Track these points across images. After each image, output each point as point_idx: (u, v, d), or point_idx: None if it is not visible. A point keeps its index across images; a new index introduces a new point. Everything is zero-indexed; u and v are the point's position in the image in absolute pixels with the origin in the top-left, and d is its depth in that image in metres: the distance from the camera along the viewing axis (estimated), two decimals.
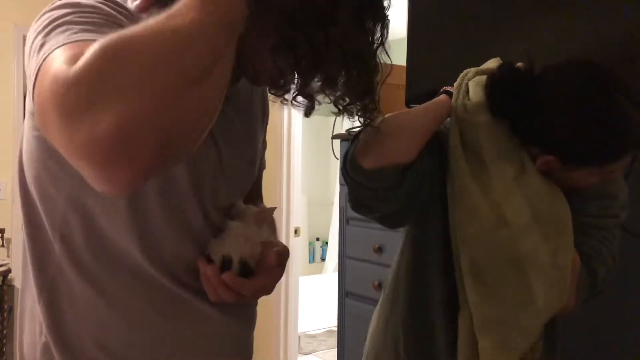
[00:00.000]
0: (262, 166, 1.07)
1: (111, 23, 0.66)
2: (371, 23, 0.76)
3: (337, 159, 2.32)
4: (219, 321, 0.83)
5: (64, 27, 0.63)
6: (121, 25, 0.66)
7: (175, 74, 0.54)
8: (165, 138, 0.54)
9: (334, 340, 4.23)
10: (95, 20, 0.65)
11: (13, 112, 3.81)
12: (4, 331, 3.57)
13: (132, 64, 0.52)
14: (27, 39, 0.70)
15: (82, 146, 0.52)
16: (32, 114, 0.76)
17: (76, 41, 0.60)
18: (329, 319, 4.49)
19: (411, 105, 1.88)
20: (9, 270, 3.61)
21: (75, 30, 0.62)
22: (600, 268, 1.08)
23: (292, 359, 3.88)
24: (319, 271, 5.78)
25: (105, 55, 0.53)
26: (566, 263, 0.99)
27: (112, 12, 0.69)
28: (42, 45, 0.62)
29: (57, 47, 0.59)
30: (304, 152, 3.99)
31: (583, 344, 1.39)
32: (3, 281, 3.56)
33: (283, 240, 3.20)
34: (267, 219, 0.90)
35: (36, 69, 0.60)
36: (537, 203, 0.99)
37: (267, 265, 0.83)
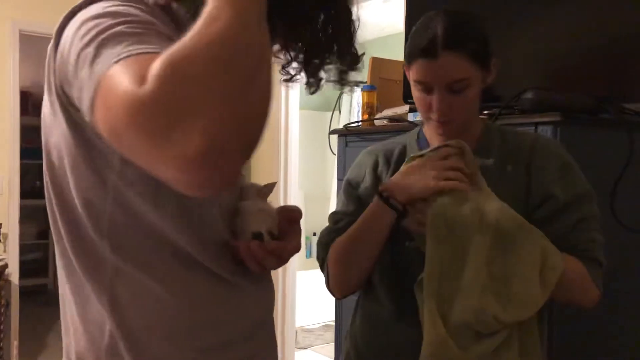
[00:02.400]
0: None
1: (150, 29, 0.68)
2: None
3: (334, 154, 2.34)
4: (257, 295, 0.89)
5: (115, 40, 0.64)
6: (156, 28, 0.69)
7: (241, 75, 0.56)
8: (248, 136, 0.57)
9: (330, 335, 4.24)
10: (138, 30, 0.66)
11: (10, 109, 3.80)
12: (1, 326, 3.57)
13: (200, 78, 0.54)
14: (64, 44, 0.70)
15: (175, 164, 0.54)
16: (74, 122, 0.75)
17: (133, 55, 0.61)
18: (326, 313, 4.51)
19: (408, 100, 1.89)
20: (5, 266, 3.60)
21: (128, 42, 0.63)
22: (600, 253, 1.12)
23: (289, 354, 3.89)
24: (316, 266, 5.75)
25: (173, 74, 0.54)
26: (503, 274, 1.02)
27: (144, 15, 0.71)
28: (95, 57, 0.63)
29: (116, 61, 0.61)
30: (300, 148, 3.99)
31: (582, 337, 1.41)
32: (0, 276, 3.56)
33: None
34: (269, 193, 0.96)
35: (95, 83, 0.61)
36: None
37: (288, 230, 0.90)
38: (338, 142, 2.23)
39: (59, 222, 0.81)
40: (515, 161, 1.14)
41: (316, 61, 0.85)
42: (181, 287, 0.79)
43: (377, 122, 2.09)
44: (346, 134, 2.17)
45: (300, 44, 0.84)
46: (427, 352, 1.01)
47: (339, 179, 2.21)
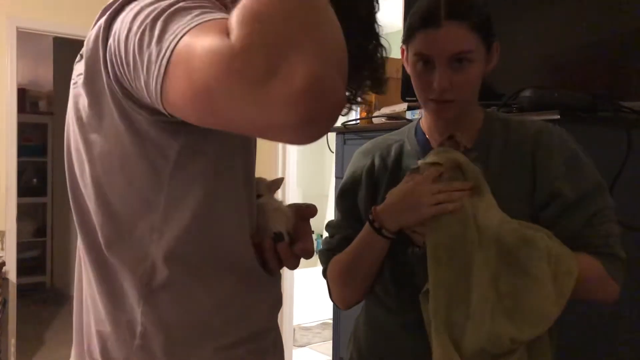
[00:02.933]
0: None
1: (213, 3, 0.66)
2: None
3: (332, 152, 2.34)
4: (272, 286, 0.89)
5: (180, 14, 0.62)
6: (216, 5, 0.67)
7: (314, 5, 0.56)
8: (340, 61, 0.56)
9: (328, 333, 4.24)
10: (202, 3, 0.64)
11: (7, 106, 3.79)
12: None
13: (283, 15, 0.54)
14: (118, 34, 0.67)
15: (283, 103, 0.52)
16: (127, 115, 0.72)
17: (204, 21, 0.59)
18: (324, 311, 4.51)
19: (407, 98, 1.89)
20: (3, 264, 3.60)
21: (196, 13, 0.61)
22: (617, 247, 1.06)
23: (286, 352, 3.89)
24: (314, 264, 5.80)
25: (256, 18, 0.53)
26: (508, 290, 0.98)
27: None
28: (162, 33, 0.61)
29: (187, 31, 0.59)
30: (298, 146, 3.99)
31: (582, 336, 1.41)
32: None
33: None
34: (277, 189, 0.96)
35: (167, 56, 0.59)
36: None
37: (303, 228, 0.90)
38: (336, 140, 2.22)
39: (94, 218, 0.79)
40: (519, 153, 1.08)
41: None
42: (216, 285, 0.80)
43: (375, 120, 2.09)
44: (344, 132, 2.17)
45: None
46: None
47: (337, 177, 2.21)
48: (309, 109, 0.52)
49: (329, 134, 2.28)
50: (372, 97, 2.18)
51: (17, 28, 3.81)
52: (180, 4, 0.63)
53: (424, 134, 1.17)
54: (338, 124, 2.32)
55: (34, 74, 5.71)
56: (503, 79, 1.59)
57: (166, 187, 0.74)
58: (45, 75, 5.75)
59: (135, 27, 0.64)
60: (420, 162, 1.05)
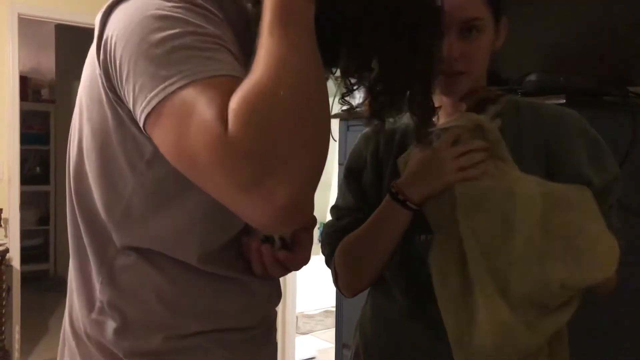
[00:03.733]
0: None
1: (219, 44, 0.66)
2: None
3: (335, 140, 2.33)
4: (261, 291, 0.87)
5: (187, 53, 0.62)
6: (223, 42, 0.67)
7: (314, 120, 0.60)
8: (320, 173, 0.62)
9: (331, 320, 4.25)
10: (209, 45, 0.64)
11: (9, 94, 3.78)
12: (3, 311, 3.58)
13: (284, 126, 0.57)
14: (113, 32, 0.68)
15: (261, 210, 0.57)
16: (113, 104, 0.72)
17: (209, 77, 0.61)
18: (327, 299, 4.52)
19: None
20: (6, 250, 3.61)
21: (200, 60, 0.62)
22: (621, 242, 1.02)
23: (289, 339, 3.90)
24: (317, 252, 5.78)
25: (257, 121, 0.56)
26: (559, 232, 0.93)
27: (210, 23, 0.67)
28: (164, 65, 0.62)
29: (190, 81, 0.60)
30: None
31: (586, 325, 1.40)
32: (1, 261, 3.56)
33: None
34: None
35: (161, 95, 0.61)
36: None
37: (301, 238, 0.87)
38: (339, 127, 2.21)
39: (75, 202, 0.82)
40: (532, 138, 1.03)
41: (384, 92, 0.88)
42: (179, 278, 0.79)
43: None
44: (347, 118, 2.15)
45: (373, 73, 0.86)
46: (488, 341, 0.91)
47: (340, 164, 2.20)
48: (282, 220, 0.58)
49: (332, 120, 2.27)
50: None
51: (19, 14, 3.79)
52: (189, 40, 0.63)
53: None
54: (339, 110, 2.30)
55: (36, 61, 5.70)
56: (509, 63, 1.57)
57: (136, 181, 0.75)
58: (47, 63, 5.73)
59: (138, 35, 0.64)
60: (435, 128, 1.02)
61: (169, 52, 0.62)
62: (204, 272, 0.79)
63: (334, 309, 2.27)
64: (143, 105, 0.63)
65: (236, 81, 0.61)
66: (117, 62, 0.66)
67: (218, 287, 0.81)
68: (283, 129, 0.57)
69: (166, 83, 0.61)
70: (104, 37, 0.70)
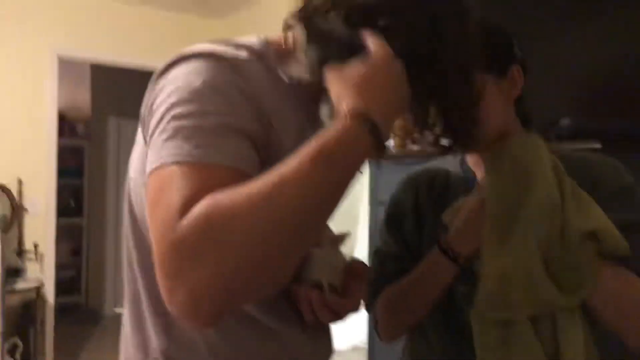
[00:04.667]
0: None
1: (230, 126, 0.69)
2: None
3: (361, 172, 2.33)
4: (309, 345, 0.87)
5: (185, 133, 0.67)
6: (240, 121, 0.71)
7: (274, 263, 0.63)
8: (233, 299, 0.64)
9: (359, 357, 4.19)
10: (216, 128, 0.68)
11: (48, 131, 3.90)
12: (36, 344, 3.63)
13: (230, 249, 0.60)
14: (157, 92, 0.75)
15: (167, 300, 0.62)
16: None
17: (194, 162, 0.65)
18: (356, 334, 4.47)
19: None
20: (42, 285, 3.68)
21: (198, 143, 0.67)
22: None
23: None
24: None
25: (208, 235, 0.60)
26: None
27: (241, 99, 0.72)
28: (168, 138, 0.68)
29: (176, 162, 0.66)
30: None
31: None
32: (37, 295, 3.63)
33: None
34: (341, 243, 0.94)
35: (156, 164, 0.68)
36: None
37: (351, 285, 0.88)
38: (369, 164, 2.23)
39: (134, 252, 0.84)
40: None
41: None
42: (236, 334, 0.80)
43: (412, 147, 2.09)
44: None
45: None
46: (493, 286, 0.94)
47: (372, 204, 2.20)
48: (179, 314, 0.63)
49: None
50: (407, 122, 2.18)
51: (58, 56, 3.94)
52: (198, 121, 0.68)
53: (469, 167, 1.15)
54: None
55: (72, 98, 5.87)
56: (540, 107, 1.58)
57: None
58: (83, 100, 5.90)
59: (164, 104, 0.71)
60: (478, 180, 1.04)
61: (175, 130, 0.68)
62: (257, 326, 0.81)
63: (363, 345, 2.26)
64: (149, 164, 0.70)
65: (229, 172, 0.66)
66: (148, 116, 0.75)
67: (271, 342, 0.82)
68: (225, 253, 0.60)
69: (162, 153, 0.67)
70: (151, 95, 0.76)
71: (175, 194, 0.63)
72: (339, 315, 0.86)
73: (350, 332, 4.59)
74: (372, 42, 0.73)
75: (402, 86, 0.74)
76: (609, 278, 0.95)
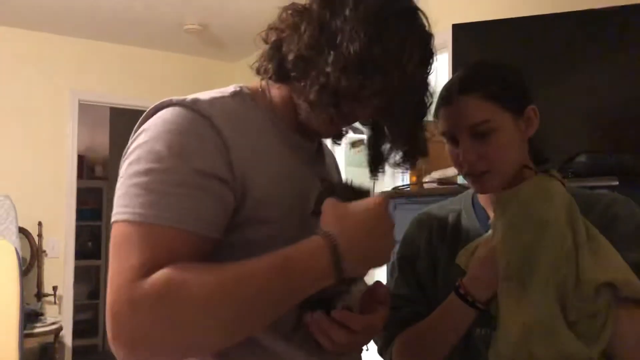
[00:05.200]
0: None
1: (191, 187, 0.73)
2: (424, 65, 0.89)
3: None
4: None
5: (138, 190, 0.71)
6: (205, 181, 0.74)
7: (207, 339, 0.71)
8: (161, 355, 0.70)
9: None
10: (175, 189, 0.72)
11: (68, 174, 3.97)
12: None
13: (174, 323, 0.67)
14: (133, 138, 0.79)
15: (110, 337, 0.69)
16: None
17: (149, 223, 0.70)
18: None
19: None
20: (60, 328, 3.68)
21: (152, 202, 0.70)
22: None
23: None
24: None
25: (156, 309, 0.66)
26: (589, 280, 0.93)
27: (212, 148, 0.75)
28: (126, 188, 0.73)
29: (126, 217, 0.70)
30: None
31: None
32: (55, 339, 3.63)
33: None
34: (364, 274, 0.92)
35: (114, 214, 0.72)
36: None
37: (371, 307, 0.87)
38: None
39: None
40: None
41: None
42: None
43: (426, 185, 2.09)
44: (394, 196, 2.17)
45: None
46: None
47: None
48: None
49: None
50: (421, 162, 2.19)
51: (79, 101, 4.04)
52: (149, 179, 0.72)
53: (482, 207, 1.15)
54: (388, 188, 2.33)
55: (91, 140, 5.98)
56: (556, 142, 1.58)
57: None
58: (101, 142, 6.01)
59: (132, 157, 0.75)
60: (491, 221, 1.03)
61: (133, 185, 0.72)
62: (273, 357, 0.81)
63: None
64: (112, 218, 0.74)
65: (181, 235, 0.70)
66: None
67: None
68: (171, 324, 0.66)
69: (118, 210, 0.72)
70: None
71: (131, 257, 0.68)
72: (354, 333, 0.82)
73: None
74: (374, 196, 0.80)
75: (385, 240, 0.79)
76: (627, 323, 0.93)
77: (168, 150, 0.73)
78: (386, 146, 0.93)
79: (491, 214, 1.10)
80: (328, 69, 0.78)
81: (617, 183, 1.30)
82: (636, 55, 1.57)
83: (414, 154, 0.92)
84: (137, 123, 0.81)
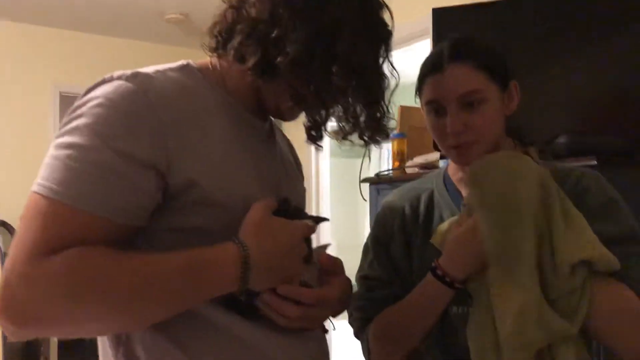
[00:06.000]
0: None
1: (107, 168, 0.70)
2: (375, 40, 0.86)
3: (365, 200, 2.33)
4: (292, 351, 0.84)
5: (58, 163, 0.70)
6: (125, 163, 0.71)
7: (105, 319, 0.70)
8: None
9: None
10: (92, 169, 0.69)
11: None
12: None
13: (73, 303, 0.66)
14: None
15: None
16: None
17: (58, 200, 0.68)
18: None
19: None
20: None
21: (59, 179, 0.69)
22: None
23: None
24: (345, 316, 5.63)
25: (51, 295, 0.65)
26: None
27: (146, 126, 0.73)
28: (50, 155, 0.72)
29: (40, 190, 0.69)
30: (332, 197, 4.00)
31: None
32: None
33: None
34: (319, 256, 0.92)
35: (32, 186, 0.72)
36: None
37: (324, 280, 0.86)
38: (369, 191, 2.23)
39: None
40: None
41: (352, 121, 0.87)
42: (192, 346, 0.78)
43: (408, 170, 2.09)
44: (377, 182, 2.17)
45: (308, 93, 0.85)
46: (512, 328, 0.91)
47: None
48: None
49: (362, 184, 2.28)
50: (404, 147, 2.19)
51: (60, 93, 4.00)
52: (69, 153, 0.70)
53: (454, 184, 1.14)
54: (370, 173, 2.33)
55: None
56: (537, 124, 1.58)
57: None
58: None
59: (63, 129, 0.74)
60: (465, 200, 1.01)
61: (56, 157, 0.71)
62: (234, 339, 0.79)
63: None
64: None
65: (90, 218, 0.68)
66: None
67: (247, 352, 0.80)
68: (70, 304, 0.66)
69: (37, 181, 0.71)
70: None
71: (37, 232, 0.67)
72: (307, 307, 0.81)
73: None
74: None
75: (295, 265, 0.79)
76: (602, 296, 0.94)
77: (94, 127, 0.71)
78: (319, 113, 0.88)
79: (464, 192, 1.09)
80: (271, 42, 0.77)
81: (595, 163, 1.31)
82: (616, 39, 1.58)
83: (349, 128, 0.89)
84: (81, 95, 0.78)
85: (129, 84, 0.74)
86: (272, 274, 0.77)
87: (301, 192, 1.05)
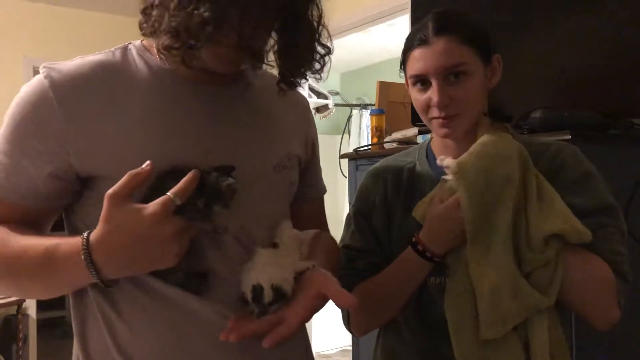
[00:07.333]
0: (319, 190, 1.14)
1: (16, 151, 0.83)
2: None
3: (345, 176, 2.35)
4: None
5: None
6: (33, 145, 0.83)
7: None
8: None
9: None
10: (2, 157, 0.84)
11: None
12: (19, 359, 3.58)
13: None
14: None
15: None
16: None
17: None
18: (343, 338, 4.47)
19: (417, 122, 1.90)
20: (23, 300, 3.62)
21: None
22: (627, 267, 1.01)
23: None
24: None
25: None
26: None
27: (51, 117, 0.82)
28: None
29: None
30: None
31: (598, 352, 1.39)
32: (17, 310, 3.58)
33: None
34: (303, 242, 0.92)
35: None
36: None
37: (308, 293, 0.84)
38: (348, 166, 2.24)
39: None
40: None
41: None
42: (136, 318, 0.84)
43: (386, 145, 2.10)
44: (356, 158, 2.18)
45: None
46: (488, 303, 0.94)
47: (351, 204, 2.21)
48: None
49: (342, 160, 2.29)
50: (382, 122, 2.19)
51: (34, 67, 3.92)
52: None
53: (435, 158, 1.12)
54: (350, 149, 2.33)
55: None
56: (513, 100, 1.60)
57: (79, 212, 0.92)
58: None
59: None
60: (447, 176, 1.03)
61: None
62: (161, 309, 0.83)
63: (351, 348, 2.26)
64: None
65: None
66: None
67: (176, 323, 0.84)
68: None
69: None
70: None
71: None
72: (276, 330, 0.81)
73: (338, 336, 4.59)
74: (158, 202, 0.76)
75: (159, 248, 0.76)
76: (572, 265, 0.97)
77: (8, 117, 0.84)
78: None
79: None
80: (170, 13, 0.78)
81: (569, 137, 1.33)
82: (591, 14, 1.59)
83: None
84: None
85: (42, 79, 0.83)
86: (125, 262, 0.76)
87: (278, 153, 0.98)
